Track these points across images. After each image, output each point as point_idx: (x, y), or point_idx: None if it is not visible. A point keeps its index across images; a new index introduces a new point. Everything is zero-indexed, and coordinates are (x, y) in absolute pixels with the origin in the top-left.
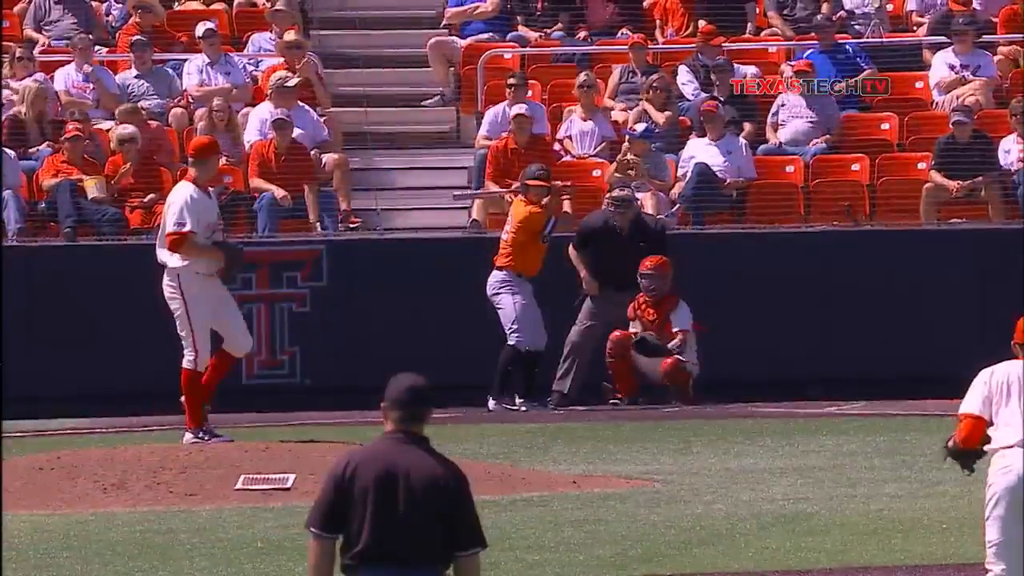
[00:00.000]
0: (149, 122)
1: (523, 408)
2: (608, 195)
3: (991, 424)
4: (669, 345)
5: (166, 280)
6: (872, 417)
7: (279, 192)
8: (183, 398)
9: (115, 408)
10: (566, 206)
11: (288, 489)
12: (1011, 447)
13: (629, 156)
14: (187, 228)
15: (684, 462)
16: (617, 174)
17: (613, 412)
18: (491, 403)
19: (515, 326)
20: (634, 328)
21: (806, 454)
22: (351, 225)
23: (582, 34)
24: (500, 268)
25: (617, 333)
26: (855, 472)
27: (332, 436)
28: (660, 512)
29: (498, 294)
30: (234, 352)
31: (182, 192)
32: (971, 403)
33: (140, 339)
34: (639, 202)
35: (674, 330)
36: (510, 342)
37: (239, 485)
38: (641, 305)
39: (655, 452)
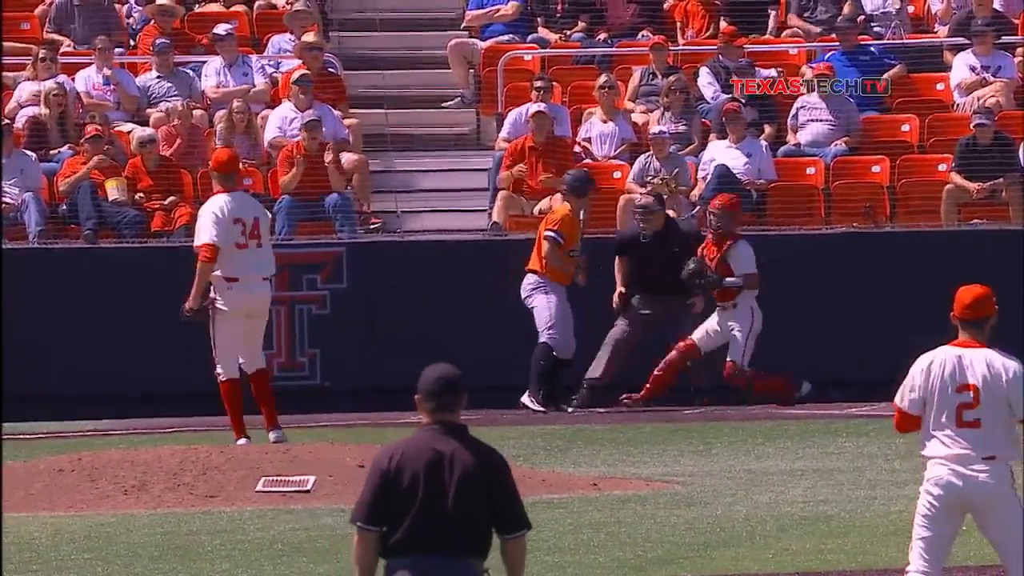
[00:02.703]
0: (194, 123)
1: (541, 411)
2: (634, 204)
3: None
4: (727, 281)
5: (268, 290)
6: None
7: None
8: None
9: (136, 410)
10: (579, 278)
11: (308, 491)
12: (940, 459)
13: (660, 177)
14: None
15: (704, 464)
16: (650, 189)
17: (633, 414)
18: (526, 398)
19: (551, 323)
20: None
21: (826, 456)
22: (371, 226)
23: (602, 36)
24: (533, 272)
25: (683, 344)
26: (875, 474)
27: (352, 438)
28: (680, 514)
29: (531, 296)
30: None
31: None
32: (903, 398)
33: (160, 341)
34: (665, 208)
35: (735, 272)
36: (543, 339)
37: (259, 487)
38: (707, 244)
39: (675, 454)
